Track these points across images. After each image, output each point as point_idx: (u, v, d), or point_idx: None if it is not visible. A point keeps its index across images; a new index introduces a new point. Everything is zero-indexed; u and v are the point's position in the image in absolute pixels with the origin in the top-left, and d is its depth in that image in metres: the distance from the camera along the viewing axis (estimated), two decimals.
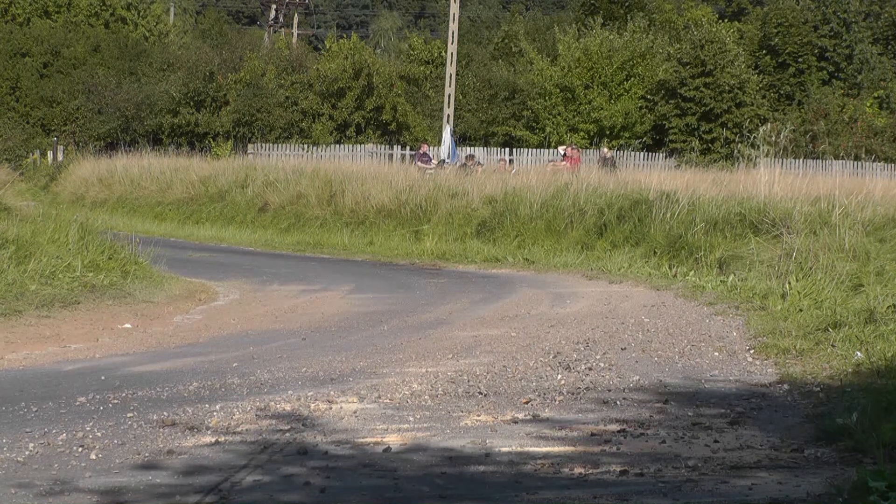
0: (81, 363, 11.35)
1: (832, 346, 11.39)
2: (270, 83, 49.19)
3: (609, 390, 9.79)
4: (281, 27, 68.22)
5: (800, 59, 51.93)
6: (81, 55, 55.52)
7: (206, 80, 49.20)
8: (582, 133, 48.63)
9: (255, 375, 10.41)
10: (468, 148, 45.36)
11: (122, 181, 40.37)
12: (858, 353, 10.74)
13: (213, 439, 7.86)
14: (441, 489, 6.72)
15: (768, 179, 23.12)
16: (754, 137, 31.09)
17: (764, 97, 50.18)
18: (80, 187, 41.99)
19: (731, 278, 17.77)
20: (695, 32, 49.71)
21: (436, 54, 51.86)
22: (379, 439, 7.94)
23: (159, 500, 6.43)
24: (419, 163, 37.90)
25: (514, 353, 11.75)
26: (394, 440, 7.92)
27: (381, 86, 48.95)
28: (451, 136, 42.42)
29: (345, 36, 58.58)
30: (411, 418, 8.63)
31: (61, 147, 51.17)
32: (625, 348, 12.05)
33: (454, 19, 44.85)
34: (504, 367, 10.85)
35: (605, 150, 40.22)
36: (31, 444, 7.66)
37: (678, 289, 17.91)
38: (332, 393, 9.52)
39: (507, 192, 27.20)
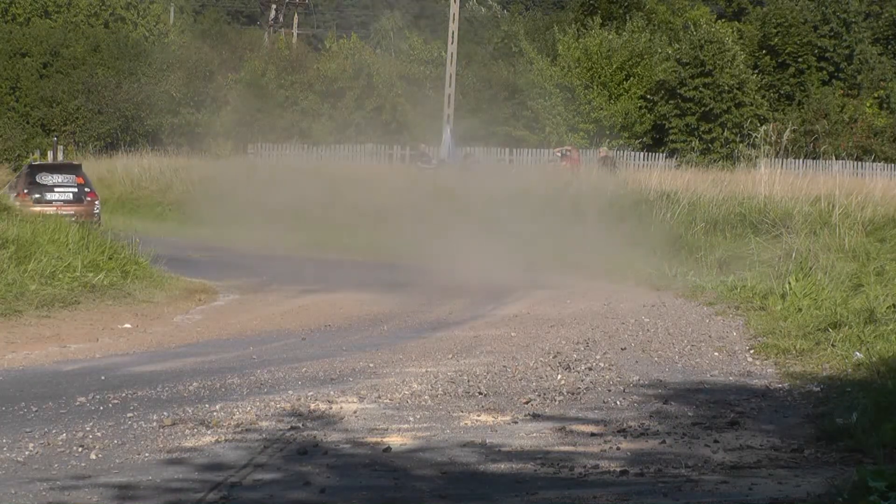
0: (81, 363, 11.35)
1: (832, 346, 11.38)
2: (270, 83, 49.18)
3: (609, 390, 9.78)
4: (281, 27, 68.22)
5: (800, 59, 51.90)
6: (81, 55, 55.45)
7: (206, 80, 49.20)
8: (582, 133, 48.62)
9: (255, 375, 10.40)
10: (467, 148, 45.34)
11: (122, 181, 40.38)
12: (858, 353, 10.74)
13: (213, 439, 7.87)
14: (441, 489, 6.72)
15: (768, 179, 23.13)
16: (754, 137, 31.06)
17: (764, 97, 50.16)
18: None
19: (731, 278, 17.76)
20: (694, 32, 49.69)
21: (436, 54, 51.84)
22: (379, 439, 7.94)
23: (159, 499, 6.43)
24: (419, 163, 37.89)
25: (514, 353, 11.75)
26: (394, 440, 7.92)
27: (381, 86, 48.96)
28: (451, 136, 42.40)
29: (345, 36, 58.55)
30: (411, 418, 8.63)
31: (61, 147, 51.12)
32: (625, 348, 12.05)
33: (454, 19, 44.85)
34: (504, 367, 10.85)
35: (603, 150, 40.18)
36: (31, 444, 7.66)
37: (678, 289, 17.90)
38: (332, 393, 9.52)
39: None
